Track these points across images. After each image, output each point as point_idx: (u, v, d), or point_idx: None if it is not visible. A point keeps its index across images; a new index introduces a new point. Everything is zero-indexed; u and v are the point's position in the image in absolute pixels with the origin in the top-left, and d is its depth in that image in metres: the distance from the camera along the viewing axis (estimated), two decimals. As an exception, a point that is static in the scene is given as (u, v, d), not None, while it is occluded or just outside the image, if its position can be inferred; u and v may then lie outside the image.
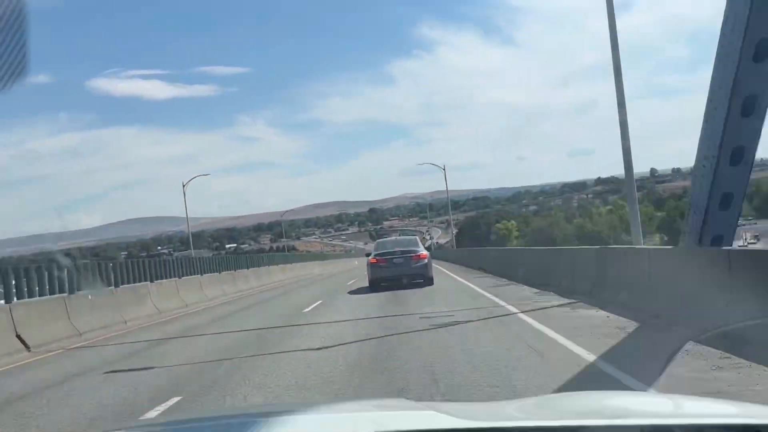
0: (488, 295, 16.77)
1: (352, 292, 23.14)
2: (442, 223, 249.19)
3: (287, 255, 53.55)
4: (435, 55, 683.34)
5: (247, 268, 33.70)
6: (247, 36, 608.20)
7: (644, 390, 5.92)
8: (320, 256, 73.96)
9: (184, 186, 53.05)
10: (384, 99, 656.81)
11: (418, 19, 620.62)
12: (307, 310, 17.35)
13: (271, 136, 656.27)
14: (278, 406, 4.52)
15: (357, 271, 49.01)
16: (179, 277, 24.14)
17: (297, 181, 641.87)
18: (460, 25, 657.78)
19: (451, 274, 28.95)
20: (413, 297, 18.43)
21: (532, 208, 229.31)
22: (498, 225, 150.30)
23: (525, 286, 18.13)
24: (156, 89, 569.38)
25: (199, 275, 26.32)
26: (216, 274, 28.48)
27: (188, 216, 53.23)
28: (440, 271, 33.44)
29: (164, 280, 23.26)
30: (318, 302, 19.41)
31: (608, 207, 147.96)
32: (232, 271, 30.92)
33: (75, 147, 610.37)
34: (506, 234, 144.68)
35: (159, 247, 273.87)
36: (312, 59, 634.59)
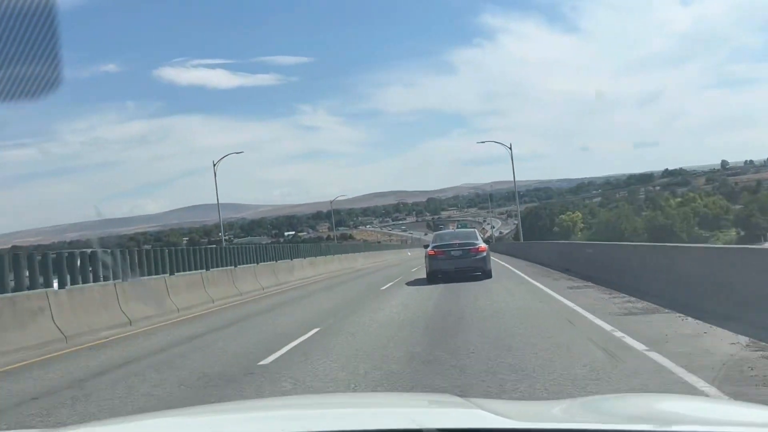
0: (638, 345, 7.83)
1: (378, 306, 14.56)
2: (501, 214, 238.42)
3: (325, 246, 45.05)
4: (496, 43, 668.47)
5: (256, 264, 25.33)
6: (308, 25, 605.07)
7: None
8: (369, 247, 65.31)
9: (214, 165, 45.91)
10: (443, 88, 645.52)
11: (480, 6, 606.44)
12: (266, 361, 8.72)
13: (332, 125, 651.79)
14: (320, 398, 4.40)
15: (406, 264, 40.22)
16: (122, 279, 15.85)
17: (356, 170, 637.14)
18: (524, 13, 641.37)
19: (527, 278, 20.05)
20: (477, 330, 9.76)
21: (596, 199, 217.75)
22: (562, 216, 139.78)
23: (693, 320, 9.15)
24: (220, 78, 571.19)
25: (166, 275, 18.04)
26: (199, 272, 20.16)
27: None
28: (508, 271, 24.63)
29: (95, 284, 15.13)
30: (309, 334, 10.84)
31: (678, 199, 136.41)
32: (231, 268, 22.58)
33: (142, 134, 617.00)
34: (570, 226, 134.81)
35: (220, 233, 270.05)
36: (373, 49, 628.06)
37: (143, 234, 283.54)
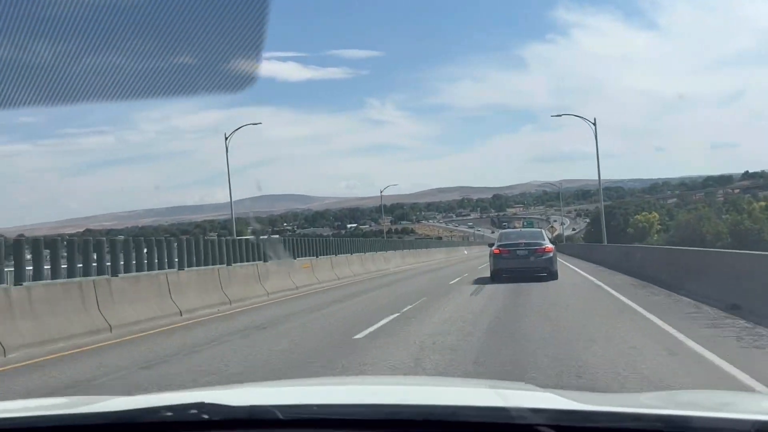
0: None
1: None
2: (569, 213, 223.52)
3: (360, 240, 34.57)
4: (570, 38, 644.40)
5: (194, 268, 15.24)
6: (379, 19, 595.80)
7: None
8: (417, 244, 54.33)
9: (227, 138, 36.89)
10: (514, 83, 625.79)
11: (554, 1, 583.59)
12: None
13: (399, 119, 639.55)
14: (404, 378, 4.51)
15: (454, 268, 29.51)
16: None
17: (422, 164, 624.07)
18: (599, 8, 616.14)
19: (667, 328, 9.23)
20: None
21: (671, 200, 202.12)
22: (637, 216, 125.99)
23: None
24: (291, 71, 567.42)
25: None
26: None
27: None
28: (602, 293, 14.10)
29: None
30: None
31: (762, 203, 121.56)
32: (115, 279, 12.42)
33: (214, 125, 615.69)
34: (646, 227, 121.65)
35: (285, 224, 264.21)
36: (443, 43, 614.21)
37: (210, 222, 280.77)
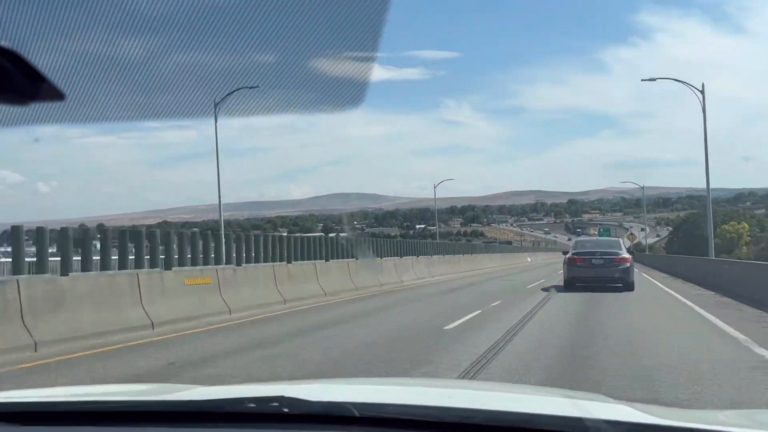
0: None
1: None
2: (648, 221, 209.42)
3: (380, 240, 26.88)
4: (653, 42, 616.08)
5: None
6: (458, 20, 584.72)
7: None
8: (464, 248, 45.86)
9: (216, 105, 29.53)
10: (594, 87, 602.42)
11: (638, 4, 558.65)
12: None
13: (474, 120, 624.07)
14: (479, 384, 4.77)
15: (485, 289, 20.85)
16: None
17: (496, 167, 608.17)
18: (685, 12, 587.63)
19: None
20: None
21: (759, 211, 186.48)
22: (725, 226, 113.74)
23: None
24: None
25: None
26: None
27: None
28: None
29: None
30: None
31: None
32: None
33: (291, 122, 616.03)
34: (735, 238, 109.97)
35: (355, 222, 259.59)
36: (522, 45, 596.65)
37: (281, 218, 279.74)
